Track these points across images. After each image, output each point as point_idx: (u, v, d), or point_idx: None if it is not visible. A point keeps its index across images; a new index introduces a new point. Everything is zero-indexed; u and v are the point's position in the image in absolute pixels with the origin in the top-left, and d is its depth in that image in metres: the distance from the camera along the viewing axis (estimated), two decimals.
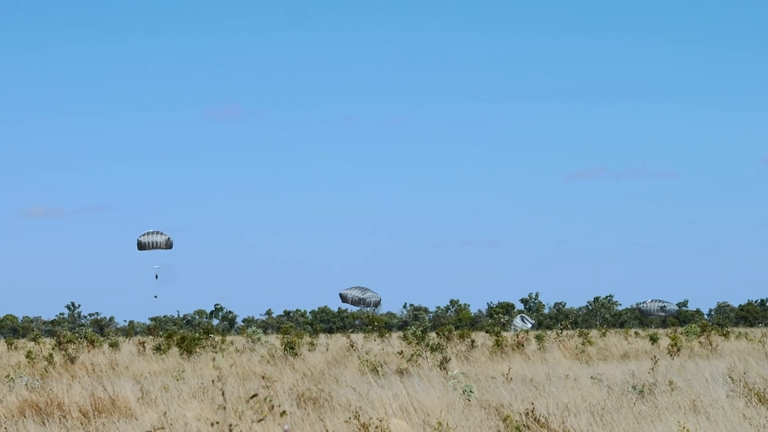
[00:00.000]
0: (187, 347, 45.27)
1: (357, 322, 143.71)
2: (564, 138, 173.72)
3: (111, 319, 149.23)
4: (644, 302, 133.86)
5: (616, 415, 19.34)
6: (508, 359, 39.41)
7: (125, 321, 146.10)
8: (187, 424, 19.05)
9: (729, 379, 25.39)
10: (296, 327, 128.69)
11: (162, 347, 47.53)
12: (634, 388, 23.43)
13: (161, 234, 64.14)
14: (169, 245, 64.34)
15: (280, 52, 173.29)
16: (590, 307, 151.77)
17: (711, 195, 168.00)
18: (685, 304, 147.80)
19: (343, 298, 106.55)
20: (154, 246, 63.72)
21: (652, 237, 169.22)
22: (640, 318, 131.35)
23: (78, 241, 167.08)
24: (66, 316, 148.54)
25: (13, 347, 62.03)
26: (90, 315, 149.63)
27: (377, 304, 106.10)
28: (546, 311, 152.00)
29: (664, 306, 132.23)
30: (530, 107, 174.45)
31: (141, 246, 64.12)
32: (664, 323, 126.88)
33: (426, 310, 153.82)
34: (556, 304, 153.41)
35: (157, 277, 64.89)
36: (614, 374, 29.27)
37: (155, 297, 72.19)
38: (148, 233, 64.31)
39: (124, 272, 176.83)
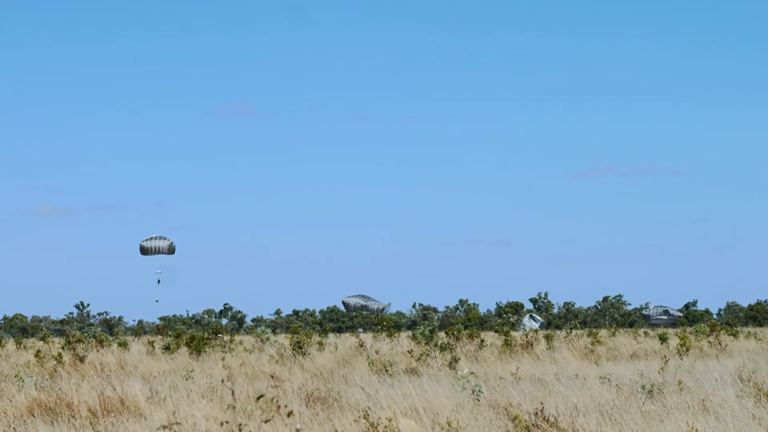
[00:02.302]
0: (196, 347, 45.30)
1: (361, 329, 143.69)
2: (573, 137, 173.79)
3: (120, 318, 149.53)
4: (647, 308, 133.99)
5: (625, 415, 19.33)
6: (517, 359, 39.39)
7: (134, 320, 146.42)
8: (196, 424, 19.06)
9: (738, 379, 25.36)
10: (305, 326, 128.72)
11: (171, 347, 47.57)
12: (643, 388, 23.40)
13: (164, 239, 64.18)
14: (171, 250, 64.39)
15: (288, 51, 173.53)
16: (599, 307, 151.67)
17: (720, 194, 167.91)
18: (694, 303, 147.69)
19: (346, 306, 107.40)
20: (157, 251, 63.80)
21: (660, 236, 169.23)
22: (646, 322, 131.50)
23: (87, 240, 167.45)
24: (75, 315, 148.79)
25: (22, 346, 62.10)
26: (99, 314, 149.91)
27: (381, 311, 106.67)
28: (555, 311, 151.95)
29: (668, 310, 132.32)
30: (539, 106, 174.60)
31: (144, 251, 64.21)
32: (674, 324, 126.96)
33: (435, 310, 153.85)
34: (565, 303, 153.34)
35: (159, 281, 65.04)
36: (623, 374, 29.25)
37: (156, 301, 72.70)
38: (150, 238, 64.35)
39: (133, 271, 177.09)
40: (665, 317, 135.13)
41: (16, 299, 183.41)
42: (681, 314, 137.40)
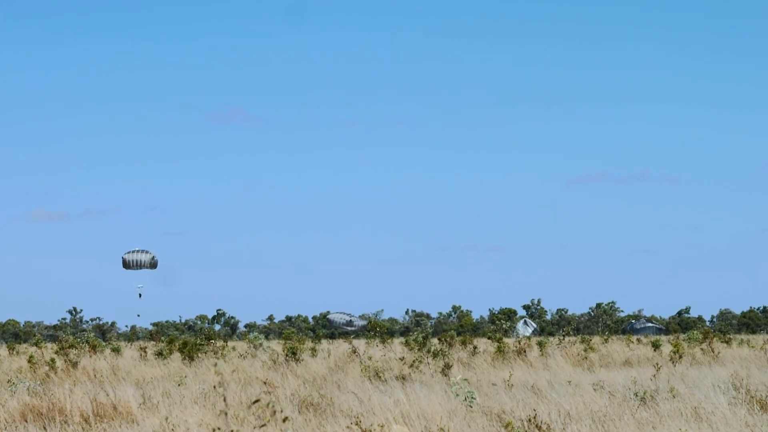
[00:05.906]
0: (189, 352, 45.24)
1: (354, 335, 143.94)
2: (567, 142, 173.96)
3: (113, 324, 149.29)
4: (630, 323, 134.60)
5: (618, 422, 19.33)
6: (510, 366, 39.38)
7: (127, 326, 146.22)
8: (188, 430, 19.04)
9: (731, 386, 25.37)
10: (298, 332, 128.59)
11: (164, 352, 47.51)
12: (635, 394, 23.41)
13: (146, 252, 64.08)
14: (153, 264, 64.30)
15: (283, 56, 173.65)
16: (592, 314, 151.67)
17: (714, 201, 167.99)
18: (687, 310, 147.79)
19: (331, 323, 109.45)
20: (139, 265, 63.73)
21: (654, 243, 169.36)
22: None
23: (80, 245, 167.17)
24: (68, 321, 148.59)
25: (14, 352, 62.01)
26: (92, 320, 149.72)
27: (363, 327, 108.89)
28: (548, 317, 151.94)
29: (653, 318, 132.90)
30: (534, 111, 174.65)
31: (125, 264, 64.15)
32: (659, 334, 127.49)
33: (428, 316, 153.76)
34: (558, 310, 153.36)
35: (140, 296, 65.02)
36: (616, 381, 29.26)
37: (138, 315, 72.99)
38: (132, 251, 64.28)
39: (126, 277, 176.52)
40: (650, 324, 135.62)
41: (9, 304, 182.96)
42: (663, 327, 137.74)
